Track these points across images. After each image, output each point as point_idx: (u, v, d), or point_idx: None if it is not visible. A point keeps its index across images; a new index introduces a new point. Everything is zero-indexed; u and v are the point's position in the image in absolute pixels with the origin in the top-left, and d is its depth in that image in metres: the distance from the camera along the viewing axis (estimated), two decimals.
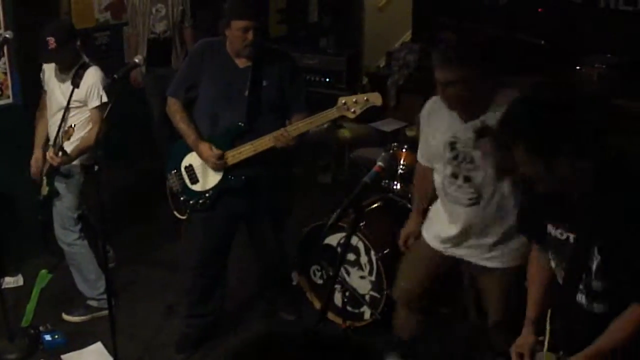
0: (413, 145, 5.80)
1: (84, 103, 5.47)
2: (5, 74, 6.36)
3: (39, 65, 5.67)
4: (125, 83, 6.79)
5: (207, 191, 5.06)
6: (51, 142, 5.58)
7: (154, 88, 7.64)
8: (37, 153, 5.72)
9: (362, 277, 5.42)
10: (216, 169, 5.00)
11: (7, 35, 5.60)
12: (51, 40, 5.30)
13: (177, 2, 7.69)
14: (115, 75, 4.64)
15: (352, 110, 4.78)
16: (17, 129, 6.01)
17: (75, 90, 5.43)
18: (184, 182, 5.15)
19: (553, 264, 3.31)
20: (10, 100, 6.42)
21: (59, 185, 5.61)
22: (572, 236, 3.09)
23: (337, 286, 5.24)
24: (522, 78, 6.58)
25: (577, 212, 3.04)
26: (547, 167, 2.84)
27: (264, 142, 4.85)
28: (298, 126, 4.86)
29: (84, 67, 5.47)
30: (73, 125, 5.30)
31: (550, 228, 3.21)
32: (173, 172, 5.18)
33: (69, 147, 5.36)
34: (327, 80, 8.64)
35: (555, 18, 8.27)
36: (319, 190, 7.92)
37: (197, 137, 5.00)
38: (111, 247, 6.18)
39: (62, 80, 5.53)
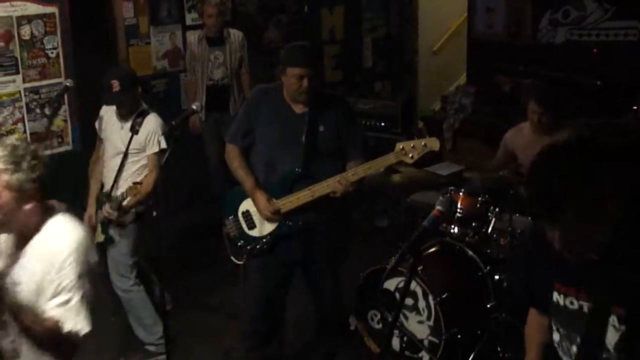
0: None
1: (142, 149, 5.52)
2: (65, 121, 6.48)
3: (97, 113, 5.76)
4: (184, 129, 6.84)
5: (264, 236, 5.06)
6: (107, 189, 5.63)
7: (211, 134, 7.71)
8: (90, 210, 5.76)
9: (420, 322, 5.35)
10: (271, 221, 5.01)
11: (68, 84, 5.70)
12: (115, 84, 5.39)
13: (234, 50, 7.78)
14: (174, 122, 4.68)
15: (410, 155, 4.75)
16: (75, 175, 6.08)
17: (134, 137, 5.49)
18: (241, 227, 5.15)
19: (556, 336, 2.97)
20: (69, 147, 6.54)
21: (114, 233, 5.65)
22: (585, 305, 2.78)
23: (395, 331, 5.19)
24: (578, 119, 6.55)
25: (593, 275, 2.72)
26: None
27: (322, 188, 4.84)
28: (357, 172, 4.84)
29: (143, 114, 5.53)
30: (138, 183, 5.36)
31: (556, 296, 2.90)
32: (230, 217, 5.19)
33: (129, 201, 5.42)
34: (382, 124, 8.63)
35: (611, 58, 8.20)
36: (376, 234, 7.89)
37: (254, 184, 5.01)
38: (167, 293, 6.20)
39: (121, 127, 5.59)
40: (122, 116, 5.60)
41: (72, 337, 3.30)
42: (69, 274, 3.26)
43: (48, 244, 3.32)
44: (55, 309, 3.27)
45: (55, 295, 3.29)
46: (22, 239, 3.38)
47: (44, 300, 3.30)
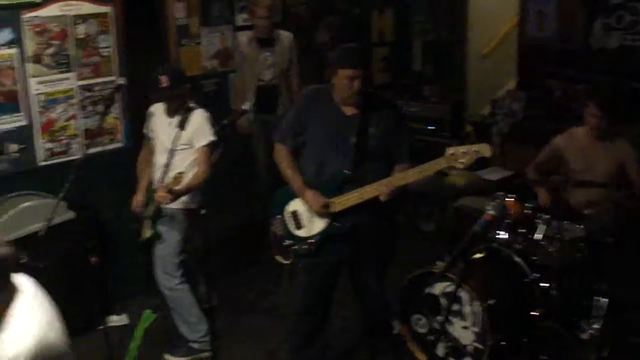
0: (519, 194, 5.75)
1: (191, 144, 5.55)
2: (118, 119, 6.55)
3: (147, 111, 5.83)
4: (233, 129, 6.88)
5: (312, 237, 5.07)
6: (156, 183, 5.68)
7: (260, 134, 7.74)
8: (139, 195, 5.82)
9: (464, 328, 5.32)
10: (320, 216, 5.01)
11: (121, 82, 5.76)
12: (164, 79, 5.44)
13: (284, 51, 7.81)
14: (225, 121, 4.71)
15: (461, 161, 4.72)
16: (126, 173, 6.14)
17: (182, 132, 5.53)
18: (287, 227, 5.16)
19: None
20: (121, 144, 6.60)
21: (162, 229, 5.69)
22: None
23: (440, 336, 5.18)
24: (632, 126, 6.49)
25: None
26: None
27: (371, 190, 4.84)
28: (406, 176, 4.84)
29: (190, 110, 5.58)
30: (182, 172, 5.39)
31: None
32: (277, 217, 5.20)
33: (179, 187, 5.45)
34: (431, 128, 8.60)
35: None
36: (422, 238, 7.87)
37: (303, 184, 5.03)
38: (213, 291, 6.23)
39: (169, 124, 5.63)
40: (170, 112, 5.65)
41: None
42: None
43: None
44: None
45: None
46: None
47: None
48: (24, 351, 2.78)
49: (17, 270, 3.04)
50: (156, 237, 5.71)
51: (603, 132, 5.93)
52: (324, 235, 5.03)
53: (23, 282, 3.07)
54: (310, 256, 5.10)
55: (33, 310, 3.00)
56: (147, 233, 5.73)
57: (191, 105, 5.65)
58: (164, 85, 5.46)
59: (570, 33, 8.96)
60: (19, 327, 2.87)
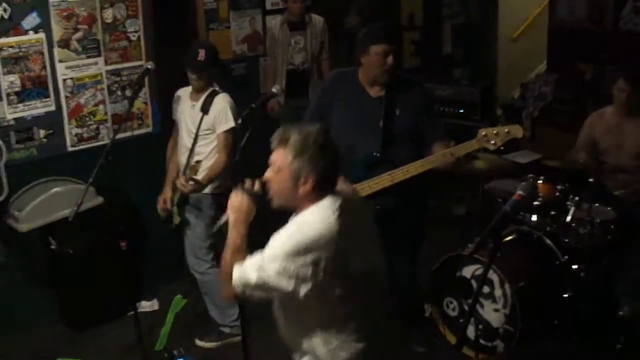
0: (550, 176, 5.71)
1: (213, 129, 5.55)
2: (146, 103, 6.55)
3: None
4: (263, 113, 6.87)
5: None
6: (181, 170, 5.69)
7: (291, 119, 7.69)
8: (167, 192, 5.81)
9: (495, 310, 5.31)
10: None
11: (149, 66, 5.76)
12: (202, 52, 5.48)
13: (315, 35, 7.78)
14: (254, 105, 4.69)
15: (493, 142, 4.71)
16: (155, 158, 6.15)
17: (205, 117, 5.53)
18: None
19: None
20: (150, 129, 6.61)
21: (190, 216, 5.70)
22: None
23: (471, 318, 5.16)
24: None
25: None
26: None
27: (402, 173, 4.82)
28: (436, 157, 4.83)
29: (214, 95, 5.58)
30: (199, 161, 5.40)
31: None
32: None
33: (199, 174, 5.45)
34: (461, 111, 8.55)
35: None
36: (453, 222, 7.83)
37: None
38: None
39: (192, 107, 5.64)
40: (197, 91, 5.65)
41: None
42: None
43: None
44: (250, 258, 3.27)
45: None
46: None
47: None
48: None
49: None
50: (184, 223, 5.72)
51: (632, 108, 5.89)
52: None
53: None
54: None
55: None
56: (177, 219, 5.74)
57: (216, 89, 5.65)
58: (201, 58, 5.49)
59: (600, 16, 8.89)
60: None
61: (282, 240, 3.24)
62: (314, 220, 3.24)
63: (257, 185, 3.34)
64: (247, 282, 3.22)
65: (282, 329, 3.54)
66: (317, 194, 3.30)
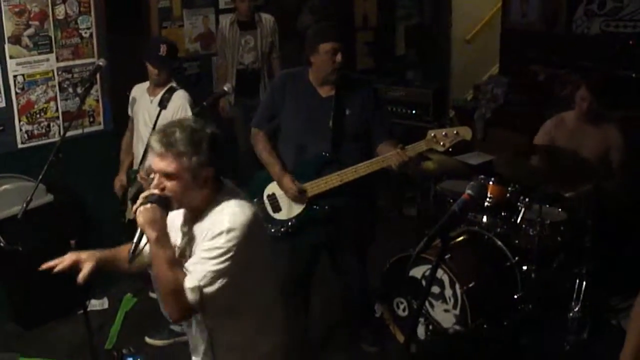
0: (500, 178, 5.76)
1: None
2: (97, 101, 6.50)
3: (129, 94, 5.81)
4: (214, 113, 6.84)
5: (290, 219, 5.06)
6: (138, 164, 5.66)
7: (241, 118, 7.70)
8: (122, 175, 5.84)
9: (446, 311, 5.33)
10: (297, 202, 5.00)
11: (100, 63, 5.73)
12: (163, 47, 5.53)
13: (266, 34, 7.77)
14: (205, 103, 4.69)
15: (442, 143, 4.74)
16: (106, 155, 6.12)
17: (163, 112, 5.53)
18: (266, 210, 5.14)
19: None
20: (101, 127, 6.55)
21: None
22: None
23: (421, 319, 5.18)
24: (614, 112, 6.49)
25: None
26: None
27: (351, 172, 4.82)
28: (385, 158, 4.82)
29: (172, 91, 5.58)
30: None
31: None
32: (255, 200, 5.18)
33: None
34: (414, 112, 8.58)
35: None
36: (404, 222, 7.86)
37: (280, 168, 5.01)
38: None
39: (150, 102, 5.64)
40: (156, 85, 5.66)
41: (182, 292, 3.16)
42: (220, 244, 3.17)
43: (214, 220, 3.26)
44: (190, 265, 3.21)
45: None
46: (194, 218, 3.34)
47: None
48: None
49: None
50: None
51: (593, 116, 5.96)
52: (302, 218, 5.02)
53: None
54: (288, 239, 5.09)
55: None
56: (130, 214, 5.70)
57: (173, 85, 5.64)
58: (163, 53, 5.49)
59: (552, 18, 8.97)
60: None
61: (216, 233, 3.18)
62: (241, 211, 3.24)
63: (156, 192, 3.24)
64: (204, 277, 3.14)
65: (206, 322, 3.42)
66: (215, 185, 3.31)
